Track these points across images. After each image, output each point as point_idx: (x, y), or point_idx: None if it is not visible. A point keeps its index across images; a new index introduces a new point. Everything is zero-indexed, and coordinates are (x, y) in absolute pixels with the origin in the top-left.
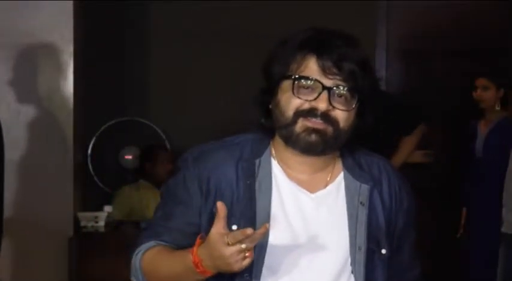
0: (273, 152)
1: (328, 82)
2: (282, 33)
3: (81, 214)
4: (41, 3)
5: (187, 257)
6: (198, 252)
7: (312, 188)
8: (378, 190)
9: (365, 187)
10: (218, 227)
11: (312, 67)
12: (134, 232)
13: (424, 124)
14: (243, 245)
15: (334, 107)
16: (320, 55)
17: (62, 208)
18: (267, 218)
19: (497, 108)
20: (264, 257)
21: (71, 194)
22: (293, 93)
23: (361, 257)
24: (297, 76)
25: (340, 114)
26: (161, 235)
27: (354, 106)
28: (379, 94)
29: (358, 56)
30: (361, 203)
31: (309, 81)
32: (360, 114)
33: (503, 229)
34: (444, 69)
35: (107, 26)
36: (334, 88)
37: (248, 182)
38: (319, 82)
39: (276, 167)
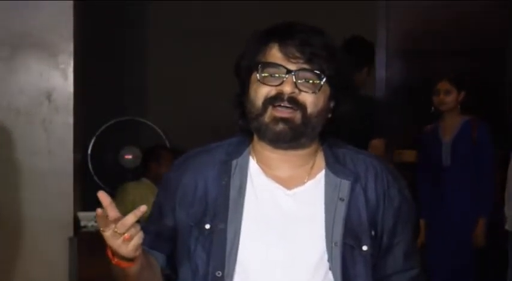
0: (252, 152)
1: (292, 66)
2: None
3: (81, 214)
4: (41, 3)
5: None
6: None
7: (289, 184)
8: (362, 186)
9: (345, 183)
10: (100, 216)
11: (275, 54)
12: None
13: (382, 139)
14: (110, 230)
15: (300, 91)
16: (282, 41)
17: (62, 207)
18: (240, 217)
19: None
20: (236, 254)
21: (71, 194)
22: (259, 81)
23: (338, 252)
24: (260, 64)
25: (308, 98)
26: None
27: (320, 88)
28: (353, 86)
29: (321, 41)
30: (340, 199)
31: (273, 68)
32: (332, 101)
33: (507, 227)
34: (444, 69)
35: (106, 25)
36: (299, 71)
37: (223, 182)
38: (283, 67)
39: (253, 166)
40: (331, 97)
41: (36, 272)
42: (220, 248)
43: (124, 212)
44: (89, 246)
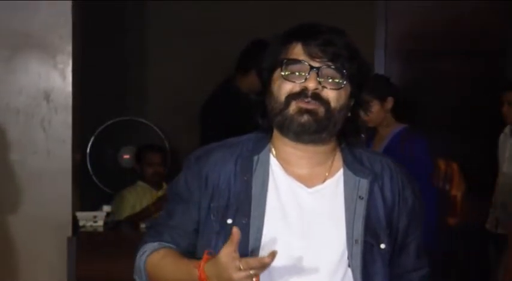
0: (272, 149)
1: (315, 64)
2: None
3: (79, 214)
4: (40, 3)
5: (193, 271)
6: (205, 269)
7: (309, 182)
8: (379, 185)
9: (364, 181)
10: (230, 250)
11: (298, 52)
12: (133, 231)
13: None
14: (252, 271)
15: (323, 87)
16: (305, 41)
17: (61, 207)
18: (262, 212)
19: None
20: (258, 250)
21: (70, 194)
22: (283, 78)
23: (358, 250)
24: (284, 60)
25: (331, 94)
26: (162, 234)
27: (343, 85)
28: (372, 78)
29: (343, 41)
30: (359, 197)
31: (297, 65)
32: (352, 99)
33: (489, 227)
34: (442, 69)
35: (105, 25)
36: (322, 67)
37: (245, 177)
38: (307, 63)
39: (274, 163)
40: (351, 95)
41: (35, 272)
42: (242, 244)
43: (125, 218)
44: (87, 246)
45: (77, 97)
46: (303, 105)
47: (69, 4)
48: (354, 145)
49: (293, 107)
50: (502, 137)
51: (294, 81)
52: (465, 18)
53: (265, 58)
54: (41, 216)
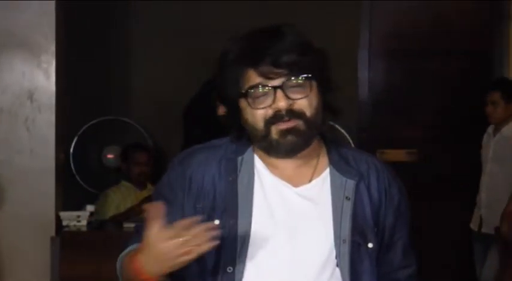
0: (256, 149)
1: (275, 83)
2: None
3: (63, 213)
4: (24, 2)
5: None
6: (138, 258)
7: (295, 182)
8: (365, 184)
9: (351, 182)
10: (154, 227)
11: (254, 78)
12: (117, 231)
13: None
14: (181, 239)
15: (294, 100)
16: (256, 66)
17: (44, 207)
18: (249, 213)
19: None
20: (247, 250)
21: (53, 193)
22: (251, 107)
23: (346, 250)
24: (244, 91)
25: (303, 103)
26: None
27: (310, 88)
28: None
29: (289, 42)
30: (346, 197)
31: (259, 91)
32: (321, 93)
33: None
34: (427, 69)
35: (89, 25)
36: (284, 84)
37: (230, 178)
38: (268, 86)
39: (258, 163)
40: (320, 90)
41: (18, 272)
42: (231, 244)
43: (109, 218)
44: (70, 245)
45: (60, 96)
46: (283, 127)
47: (53, 4)
48: (339, 144)
49: (274, 131)
50: (485, 137)
51: (264, 107)
52: (450, 17)
53: (224, 87)
54: (25, 215)
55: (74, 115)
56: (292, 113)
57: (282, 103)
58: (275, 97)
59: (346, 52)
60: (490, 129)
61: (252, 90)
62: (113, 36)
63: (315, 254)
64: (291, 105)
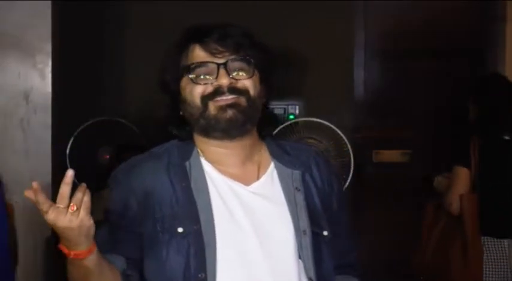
0: (200, 152)
1: (220, 60)
2: (257, 34)
3: None
4: (18, 2)
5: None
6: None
7: (245, 181)
8: (309, 174)
9: (297, 173)
10: (44, 210)
11: (199, 54)
12: None
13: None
14: (54, 208)
15: (237, 80)
16: (202, 41)
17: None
18: (211, 216)
19: None
20: (215, 254)
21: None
22: (193, 82)
23: (308, 241)
24: (188, 66)
25: (247, 83)
26: (117, 247)
27: (253, 72)
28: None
29: (239, 31)
30: (296, 188)
31: (202, 67)
32: (264, 84)
33: None
34: (422, 69)
35: (85, 25)
36: (228, 61)
37: (183, 184)
38: (212, 62)
39: (206, 166)
40: (262, 81)
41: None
42: (199, 250)
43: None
44: None
45: (56, 97)
46: (222, 103)
47: (48, 4)
48: (276, 138)
49: (212, 107)
50: None
51: (205, 84)
52: (445, 17)
53: (166, 70)
54: (20, 216)
55: (70, 116)
56: (234, 90)
57: (224, 80)
58: (218, 74)
59: (342, 52)
60: None
61: (196, 66)
62: (108, 37)
63: (283, 249)
64: (233, 83)
